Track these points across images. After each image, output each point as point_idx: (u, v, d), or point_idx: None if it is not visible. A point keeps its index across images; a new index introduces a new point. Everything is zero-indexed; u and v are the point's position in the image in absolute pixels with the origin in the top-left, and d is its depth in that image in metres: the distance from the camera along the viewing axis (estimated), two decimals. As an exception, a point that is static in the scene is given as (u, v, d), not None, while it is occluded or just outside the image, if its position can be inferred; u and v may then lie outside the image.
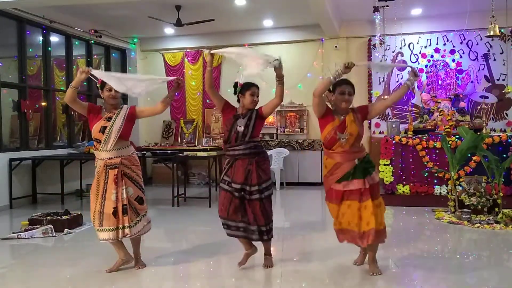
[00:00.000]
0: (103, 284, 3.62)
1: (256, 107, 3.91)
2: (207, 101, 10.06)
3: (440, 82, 8.81)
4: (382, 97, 9.08)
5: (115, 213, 3.71)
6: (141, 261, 4.02)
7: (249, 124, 3.80)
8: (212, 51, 3.95)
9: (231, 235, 3.85)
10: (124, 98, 9.95)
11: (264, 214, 3.78)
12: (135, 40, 10.33)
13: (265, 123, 9.64)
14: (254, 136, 3.84)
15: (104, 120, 3.80)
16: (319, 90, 3.48)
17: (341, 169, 3.56)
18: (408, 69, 3.67)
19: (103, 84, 3.83)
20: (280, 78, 3.79)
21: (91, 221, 3.83)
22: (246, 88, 3.85)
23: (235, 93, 3.93)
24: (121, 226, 3.73)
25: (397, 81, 9.17)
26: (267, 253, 3.98)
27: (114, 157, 3.79)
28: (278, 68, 3.73)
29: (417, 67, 9.05)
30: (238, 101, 3.94)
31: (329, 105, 3.70)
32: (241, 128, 3.78)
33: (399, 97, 3.85)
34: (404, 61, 9.15)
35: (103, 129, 3.77)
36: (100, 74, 3.81)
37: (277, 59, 3.67)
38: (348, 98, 3.57)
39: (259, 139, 4.00)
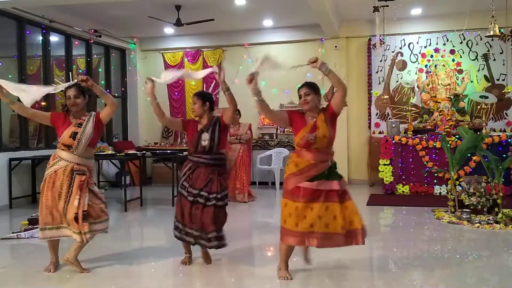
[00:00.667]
0: (103, 284, 3.62)
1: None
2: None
3: (439, 82, 8.81)
4: (382, 97, 9.09)
5: (76, 218, 3.68)
6: (81, 265, 3.94)
7: (214, 137, 3.86)
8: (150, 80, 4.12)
9: (179, 238, 3.90)
10: (123, 98, 9.97)
11: (216, 221, 3.77)
12: (131, 46, 10.30)
13: (265, 123, 9.69)
14: (220, 147, 3.92)
15: (75, 126, 3.80)
16: (265, 114, 3.71)
17: (316, 169, 3.45)
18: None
19: (64, 92, 3.83)
20: (224, 88, 3.93)
21: (41, 215, 3.80)
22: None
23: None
24: (82, 231, 3.69)
25: (397, 81, 9.17)
26: (207, 257, 4.03)
27: (82, 164, 3.80)
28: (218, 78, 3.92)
29: (417, 67, 9.07)
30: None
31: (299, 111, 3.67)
32: (205, 143, 3.84)
33: (338, 79, 3.59)
34: (404, 61, 9.15)
35: (73, 135, 3.76)
36: (4, 84, 3.75)
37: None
38: (305, 99, 3.55)
39: (224, 152, 4.05)
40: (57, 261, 3.94)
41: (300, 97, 3.60)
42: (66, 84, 3.84)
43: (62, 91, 3.83)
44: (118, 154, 7.54)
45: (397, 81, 9.19)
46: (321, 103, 3.67)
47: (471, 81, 8.82)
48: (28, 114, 3.92)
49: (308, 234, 3.41)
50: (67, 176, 3.74)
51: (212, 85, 3.37)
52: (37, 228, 5.23)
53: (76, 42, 8.99)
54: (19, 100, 3.75)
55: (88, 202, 3.75)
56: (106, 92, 3.95)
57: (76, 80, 3.81)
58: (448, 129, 7.78)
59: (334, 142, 3.59)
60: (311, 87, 3.61)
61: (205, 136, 3.83)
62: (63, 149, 3.80)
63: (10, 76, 7.60)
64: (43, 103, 8.14)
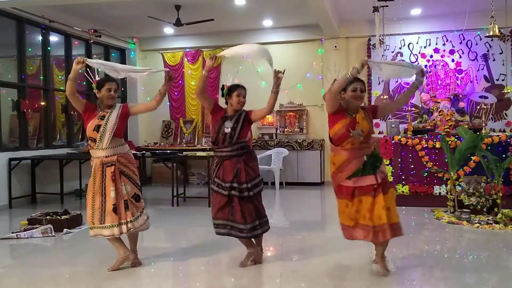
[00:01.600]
0: (102, 284, 3.62)
1: (246, 109, 4.01)
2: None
3: (439, 82, 8.82)
4: (382, 97, 9.08)
5: (115, 209, 3.74)
6: (137, 259, 4.03)
7: (236, 127, 3.88)
8: (216, 55, 4.04)
9: (222, 233, 3.87)
10: (123, 97, 9.99)
11: (255, 211, 3.85)
12: (131, 46, 10.30)
13: (265, 123, 9.70)
14: (241, 137, 3.92)
15: (98, 119, 3.83)
16: (336, 87, 3.53)
17: (351, 166, 3.57)
18: (414, 70, 3.67)
19: (101, 84, 3.86)
20: (277, 87, 3.93)
21: (89, 220, 3.82)
22: (233, 90, 3.95)
23: (222, 95, 4.01)
24: (123, 221, 3.77)
25: (397, 81, 9.18)
26: (259, 245, 4.02)
27: (110, 155, 3.83)
28: (278, 77, 3.88)
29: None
30: (226, 103, 4.02)
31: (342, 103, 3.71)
32: (228, 130, 3.86)
33: (408, 97, 3.83)
34: (403, 61, 9.15)
35: (97, 128, 3.80)
36: (95, 63, 3.87)
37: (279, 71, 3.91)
38: (361, 95, 3.61)
39: (246, 140, 4.08)
40: (125, 255, 3.91)
41: (354, 90, 3.59)
42: (155, 70, 4.11)
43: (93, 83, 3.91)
44: (117, 154, 7.52)
45: (396, 81, 9.19)
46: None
47: (471, 81, 8.82)
48: (74, 96, 3.84)
49: (354, 228, 3.58)
50: (99, 171, 3.81)
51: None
52: (37, 227, 5.25)
53: (76, 42, 8.99)
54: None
55: (125, 193, 3.81)
56: (163, 94, 4.07)
57: (166, 69, 4.10)
58: (448, 129, 7.78)
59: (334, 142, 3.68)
60: (363, 83, 3.66)
61: (228, 124, 3.88)
62: (91, 146, 3.87)
63: (9, 76, 7.61)
64: (42, 103, 8.14)
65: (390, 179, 7.78)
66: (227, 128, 3.86)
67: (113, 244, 3.92)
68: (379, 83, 9.24)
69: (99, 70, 3.98)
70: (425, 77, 3.66)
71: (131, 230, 3.81)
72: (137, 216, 3.86)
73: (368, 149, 3.63)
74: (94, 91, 3.93)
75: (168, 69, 4.14)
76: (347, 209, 3.61)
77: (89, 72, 3.97)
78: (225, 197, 3.81)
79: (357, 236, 3.60)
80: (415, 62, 9.10)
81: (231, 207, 3.81)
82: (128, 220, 3.78)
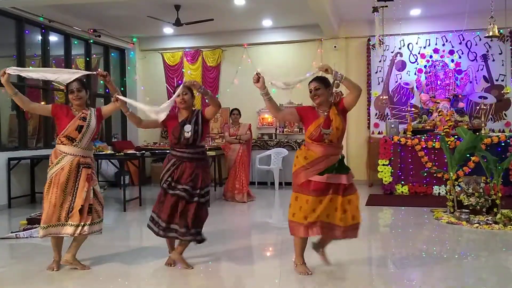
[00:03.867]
0: (101, 283, 3.61)
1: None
2: (206, 100, 10.06)
3: (439, 82, 8.82)
4: (381, 97, 9.09)
5: (81, 210, 3.75)
6: (80, 262, 3.99)
7: (197, 129, 3.85)
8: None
9: (162, 235, 3.84)
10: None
11: (196, 218, 3.79)
12: (134, 40, 10.32)
13: (264, 123, 9.70)
14: (202, 140, 3.94)
15: (80, 120, 3.86)
16: (271, 112, 3.74)
17: (326, 162, 3.54)
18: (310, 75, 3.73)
19: (68, 87, 3.91)
20: (203, 93, 3.92)
21: (47, 219, 3.76)
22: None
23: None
24: (82, 223, 3.77)
25: (396, 81, 9.18)
26: (181, 252, 3.96)
27: (87, 156, 3.89)
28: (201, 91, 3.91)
29: (417, 67, 9.08)
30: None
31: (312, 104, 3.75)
32: (188, 134, 3.83)
33: (354, 84, 3.59)
34: (403, 62, 9.16)
35: (79, 128, 3.83)
36: (19, 71, 3.92)
37: None
38: (315, 93, 3.61)
39: (205, 144, 4.12)
40: (60, 260, 3.95)
41: (310, 91, 3.63)
42: (87, 73, 4.07)
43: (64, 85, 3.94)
44: (117, 154, 7.53)
45: (396, 81, 9.20)
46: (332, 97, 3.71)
47: (470, 82, 8.83)
48: (29, 108, 3.98)
49: (312, 224, 3.50)
50: (74, 170, 3.80)
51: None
52: (36, 227, 5.23)
53: (75, 42, 8.99)
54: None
55: (92, 198, 3.85)
56: (119, 91, 4.05)
57: (95, 72, 4.01)
58: (447, 130, 7.79)
59: None
60: (321, 81, 3.63)
61: (188, 128, 3.83)
62: (65, 143, 3.83)
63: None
64: (42, 102, 8.14)
65: (390, 179, 7.80)
66: (187, 132, 3.81)
67: (52, 243, 3.91)
68: (379, 84, 9.25)
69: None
70: (337, 72, 3.55)
71: (85, 233, 3.79)
72: (96, 222, 3.88)
73: (341, 149, 3.65)
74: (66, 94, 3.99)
75: (96, 72, 4.06)
76: (306, 205, 3.50)
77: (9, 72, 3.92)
78: (173, 197, 3.78)
79: (311, 233, 3.54)
80: (414, 62, 9.10)
81: (174, 208, 3.78)
82: (87, 223, 3.78)
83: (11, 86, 3.81)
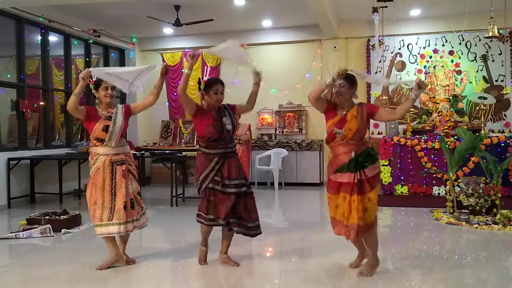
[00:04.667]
0: (101, 284, 3.61)
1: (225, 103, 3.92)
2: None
3: (438, 83, 8.82)
4: (381, 97, 9.08)
5: (125, 207, 3.81)
6: (129, 257, 4.07)
7: (233, 121, 3.86)
8: (198, 52, 3.82)
9: (210, 224, 3.79)
10: (122, 98, 9.98)
11: (255, 209, 3.86)
12: (134, 40, 10.32)
13: (264, 123, 9.69)
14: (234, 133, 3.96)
15: (105, 119, 3.86)
16: (312, 96, 3.56)
17: (338, 161, 3.59)
18: (413, 82, 3.65)
19: (98, 83, 3.87)
20: (257, 83, 3.90)
21: (97, 218, 3.81)
22: (210, 86, 3.77)
23: (199, 89, 3.88)
24: (130, 219, 3.84)
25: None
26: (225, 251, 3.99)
27: (119, 154, 3.91)
28: (258, 76, 3.87)
29: (416, 68, 9.08)
30: (202, 98, 3.91)
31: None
32: (229, 127, 3.82)
33: (406, 111, 3.77)
34: (403, 62, 9.16)
35: (106, 128, 3.83)
36: (100, 74, 3.85)
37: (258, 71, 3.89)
38: (338, 90, 3.56)
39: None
40: (122, 254, 3.99)
41: (334, 87, 3.59)
42: (151, 66, 4.01)
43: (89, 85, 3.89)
44: (117, 154, 7.52)
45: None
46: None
47: (470, 82, 8.83)
48: (74, 111, 3.83)
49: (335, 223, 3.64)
50: (108, 169, 3.83)
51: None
52: (35, 228, 5.25)
53: (75, 42, 8.99)
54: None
55: (131, 192, 3.90)
56: (159, 88, 4.07)
57: (160, 64, 4.01)
58: (447, 130, 7.78)
59: None
60: (347, 80, 3.56)
61: (227, 120, 3.80)
62: (97, 145, 3.87)
63: (8, 75, 7.59)
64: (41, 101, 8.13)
65: (389, 179, 7.79)
66: (228, 125, 3.79)
67: (106, 244, 3.92)
68: (379, 84, 9.23)
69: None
70: (422, 90, 3.58)
71: (136, 228, 3.91)
72: (141, 214, 3.98)
73: (356, 146, 3.56)
74: (92, 91, 3.94)
75: (164, 63, 4.15)
76: (331, 202, 3.66)
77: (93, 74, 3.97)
78: (231, 195, 3.73)
79: (335, 232, 3.67)
80: (414, 62, 9.11)
81: (237, 206, 3.74)
82: (134, 218, 3.88)
83: (83, 86, 3.78)
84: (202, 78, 3.81)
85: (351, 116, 3.55)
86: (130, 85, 3.88)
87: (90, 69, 3.80)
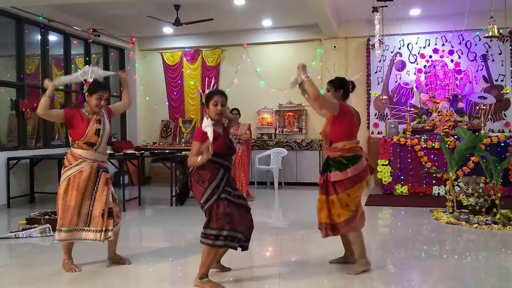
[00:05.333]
0: (100, 283, 3.61)
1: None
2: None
3: (438, 82, 8.82)
4: (381, 97, 9.09)
5: (102, 215, 3.73)
6: (123, 257, 4.07)
7: (230, 136, 3.74)
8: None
9: (230, 246, 3.46)
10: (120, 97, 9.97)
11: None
12: (133, 39, 10.31)
13: (264, 123, 9.69)
14: None
15: (97, 123, 3.79)
16: (313, 95, 3.61)
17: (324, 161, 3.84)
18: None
19: (94, 90, 3.76)
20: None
21: (66, 223, 3.72)
22: (209, 98, 3.52)
23: (201, 103, 3.70)
24: (104, 228, 3.74)
25: (396, 81, 9.18)
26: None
27: (105, 161, 3.89)
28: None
29: (416, 67, 9.08)
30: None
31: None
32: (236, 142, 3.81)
33: (311, 93, 3.65)
34: (402, 62, 9.16)
35: (97, 132, 3.77)
36: (63, 80, 3.99)
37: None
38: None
39: None
40: (72, 258, 3.96)
41: (328, 90, 3.78)
42: (107, 73, 4.08)
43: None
44: (116, 154, 7.53)
45: (395, 81, 9.20)
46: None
47: (470, 82, 8.83)
48: (45, 113, 3.75)
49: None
50: (93, 175, 3.76)
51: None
52: (35, 227, 5.24)
53: (75, 42, 8.99)
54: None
55: (111, 201, 3.84)
56: (129, 88, 4.14)
57: (117, 73, 4.11)
58: (447, 130, 7.79)
59: None
60: (330, 84, 3.75)
61: (232, 137, 3.81)
62: (86, 149, 3.75)
63: (8, 75, 7.59)
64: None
65: (389, 179, 7.79)
66: (235, 143, 3.78)
67: (65, 248, 3.90)
68: (378, 83, 9.25)
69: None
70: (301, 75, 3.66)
71: (110, 238, 3.80)
72: (117, 223, 3.92)
73: (330, 151, 3.73)
74: (84, 92, 3.81)
75: (120, 72, 4.17)
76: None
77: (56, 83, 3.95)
78: (240, 206, 3.52)
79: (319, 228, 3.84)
80: (414, 62, 9.10)
81: (243, 217, 3.52)
82: (109, 228, 3.75)
83: (53, 90, 3.81)
84: (204, 91, 3.61)
85: (329, 119, 3.78)
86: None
87: (55, 80, 3.90)
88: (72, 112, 3.81)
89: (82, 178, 3.73)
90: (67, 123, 3.80)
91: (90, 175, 3.75)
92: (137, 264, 4.07)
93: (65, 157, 3.87)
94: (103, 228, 3.73)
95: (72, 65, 8.95)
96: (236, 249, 3.51)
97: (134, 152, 7.77)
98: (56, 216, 5.49)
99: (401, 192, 7.78)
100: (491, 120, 8.68)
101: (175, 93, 10.33)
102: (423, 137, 7.81)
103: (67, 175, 3.78)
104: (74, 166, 3.76)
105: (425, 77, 8.98)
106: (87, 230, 3.76)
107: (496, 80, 8.73)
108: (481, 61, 8.80)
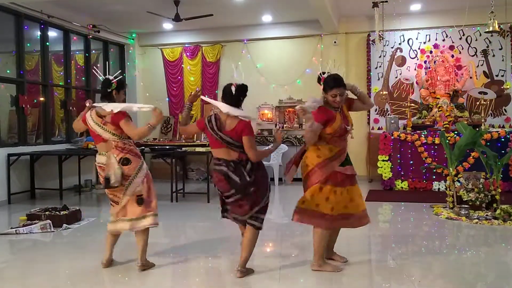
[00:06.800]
0: (101, 280, 3.62)
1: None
2: (206, 96, 10.05)
3: (439, 78, 8.81)
4: (381, 92, 9.07)
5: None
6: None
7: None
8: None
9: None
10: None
11: None
12: (133, 35, 10.30)
13: (264, 119, 9.68)
14: None
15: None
16: (311, 141, 3.73)
17: (344, 154, 3.71)
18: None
19: (120, 86, 3.92)
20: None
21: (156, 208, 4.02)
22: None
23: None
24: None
25: (396, 77, 9.16)
26: None
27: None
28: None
29: (417, 63, 9.06)
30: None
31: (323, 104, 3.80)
32: None
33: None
34: (403, 57, 9.14)
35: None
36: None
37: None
38: (340, 100, 3.68)
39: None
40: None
41: (333, 96, 3.65)
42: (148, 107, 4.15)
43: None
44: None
45: (396, 77, 9.18)
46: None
47: (470, 77, 8.81)
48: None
49: (337, 216, 3.60)
50: None
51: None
52: (35, 223, 5.25)
53: (75, 38, 8.97)
54: None
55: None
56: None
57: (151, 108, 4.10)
58: (447, 125, 7.78)
59: None
60: (344, 86, 3.69)
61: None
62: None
63: (8, 71, 7.58)
64: (41, 98, 8.12)
65: (389, 175, 7.80)
66: None
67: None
68: (378, 79, 9.23)
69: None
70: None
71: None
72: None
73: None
74: (112, 90, 3.87)
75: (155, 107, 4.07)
76: (334, 196, 3.58)
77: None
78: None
79: (334, 225, 3.68)
80: (414, 57, 9.08)
81: None
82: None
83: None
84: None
85: (347, 113, 3.78)
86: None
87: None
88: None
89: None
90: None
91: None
92: (136, 260, 4.07)
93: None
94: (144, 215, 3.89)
95: (72, 61, 8.94)
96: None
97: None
98: (56, 212, 5.55)
99: (401, 187, 7.78)
100: (492, 116, 8.67)
101: (175, 89, 10.32)
102: (423, 133, 7.81)
103: (143, 170, 4.13)
104: (142, 167, 4.18)
105: (426, 72, 8.96)
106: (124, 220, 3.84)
107: (497, 76, 8.71)
108: (482, 56, 8.78)
